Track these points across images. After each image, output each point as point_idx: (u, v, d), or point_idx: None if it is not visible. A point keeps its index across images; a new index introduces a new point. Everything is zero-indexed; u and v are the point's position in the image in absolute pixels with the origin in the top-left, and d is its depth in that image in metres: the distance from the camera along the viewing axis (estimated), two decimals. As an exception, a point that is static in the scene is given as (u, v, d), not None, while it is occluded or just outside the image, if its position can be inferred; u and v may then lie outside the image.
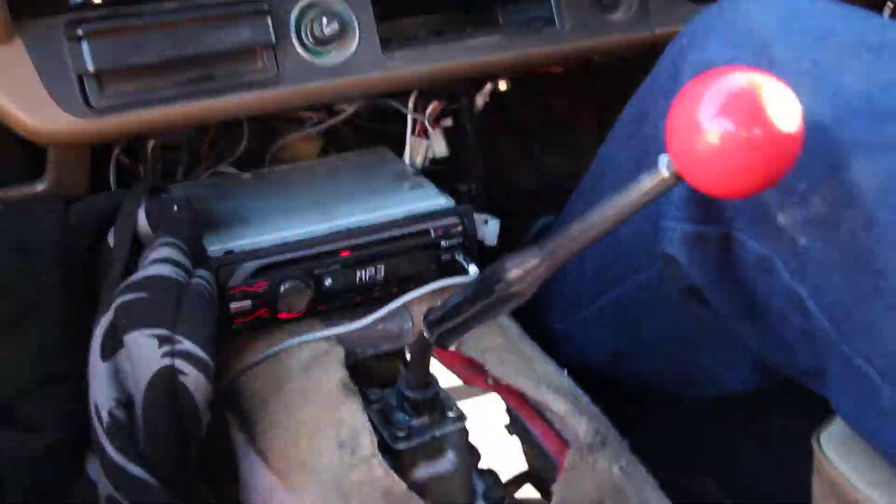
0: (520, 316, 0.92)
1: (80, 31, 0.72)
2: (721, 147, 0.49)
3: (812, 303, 0.62)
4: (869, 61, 0.60)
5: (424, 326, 0.68)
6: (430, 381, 0.74)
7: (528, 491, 0.92)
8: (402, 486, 0.66)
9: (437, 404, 0.74)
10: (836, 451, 0.62)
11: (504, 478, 0.83)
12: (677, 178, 0.53)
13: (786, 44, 0.63)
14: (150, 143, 0.87)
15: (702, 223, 0.68)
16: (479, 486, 0.78)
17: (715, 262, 0.68)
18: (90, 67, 0.73)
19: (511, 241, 1.01)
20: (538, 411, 0.77)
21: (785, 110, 0.49)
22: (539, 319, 0.96)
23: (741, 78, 0.50)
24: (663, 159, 0.53)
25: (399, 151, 1.03)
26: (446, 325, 0.66)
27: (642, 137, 0.77)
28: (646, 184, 0.54)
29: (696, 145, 0.50)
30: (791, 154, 0.51)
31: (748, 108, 0.49)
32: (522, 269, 0.61)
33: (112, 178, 0.89)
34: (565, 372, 0.83)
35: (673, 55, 0.74)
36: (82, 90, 0.74)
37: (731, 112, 0.49)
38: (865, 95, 0.59)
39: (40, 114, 0.73)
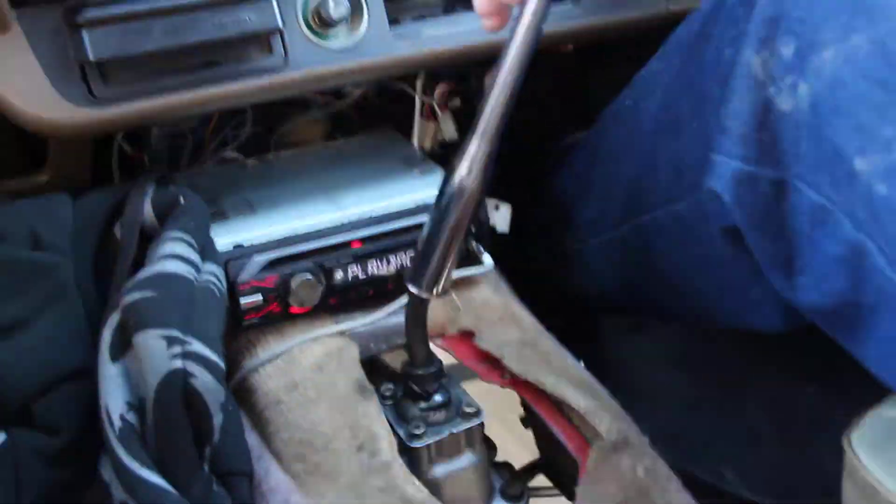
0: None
1: (79, 20, 0.69)
2: None
3: (880, 256, 0.59)
4: None
5: (407, 283, 0.68)
6: (433, 357, 0.73)
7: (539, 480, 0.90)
8: (424, 492, 0.65)
9: (453, 400, 0.73)
10: (869, 453, 0.61)
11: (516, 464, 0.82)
12: None
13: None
14: (154, 132, 0.85)
15: (757, 164, 0.65)
16: (497, 482, 0.77)
17: (763, 206, 0.65)
18: (91, 56, 0.69)
19: (522, 227, 0.98)
20: (557, 407, 0.76)
21: None
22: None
23: None
24: None
25: (405, 132, 1.00)
26: (427, 269, 0.66)
27: (700, 63, 0.71)
28: None
29: None
30: None
31: None
32: (467, 160, 0.63)
33: (115, 167, 0.87)
34: (582, 364, 0.81)
35: None
36: (84, 80, 0.70)
37: None
38: None
39: (42, 105, 0.69)
